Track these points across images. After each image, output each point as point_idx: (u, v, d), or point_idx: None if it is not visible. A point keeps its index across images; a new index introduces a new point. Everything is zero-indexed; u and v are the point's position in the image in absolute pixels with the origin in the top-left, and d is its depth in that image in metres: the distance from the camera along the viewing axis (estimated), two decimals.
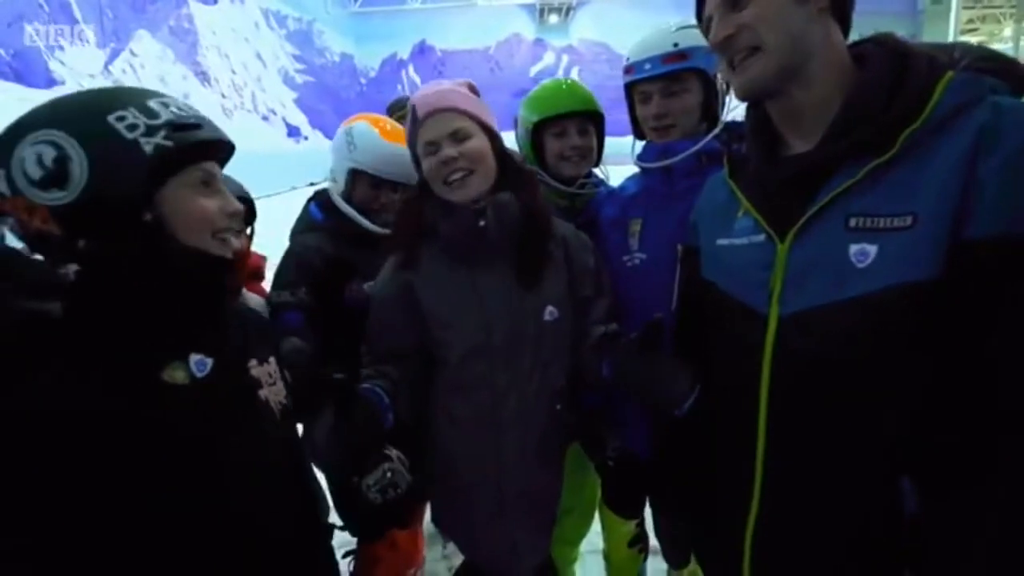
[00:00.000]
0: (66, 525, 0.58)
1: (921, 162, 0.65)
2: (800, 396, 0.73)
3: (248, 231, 1.51)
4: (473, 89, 1.06)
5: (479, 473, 1.01)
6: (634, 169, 1.28)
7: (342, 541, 1.11)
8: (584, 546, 1.71)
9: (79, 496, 0.58)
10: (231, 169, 0.84)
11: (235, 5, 12.78)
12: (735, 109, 1.10)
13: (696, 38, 1.05)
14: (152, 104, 0.66)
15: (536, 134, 1.38)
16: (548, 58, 17.10)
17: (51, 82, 8.15)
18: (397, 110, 2.46)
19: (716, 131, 1.11)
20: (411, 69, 17.66)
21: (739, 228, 0.82)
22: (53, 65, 8.32)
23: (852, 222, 0.68)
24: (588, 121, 1.35)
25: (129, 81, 9.31)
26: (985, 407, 0.61)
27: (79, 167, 0.61)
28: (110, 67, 9.39)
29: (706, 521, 0.89)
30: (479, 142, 0.98)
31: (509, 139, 1.22)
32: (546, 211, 1.06)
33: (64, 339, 0.62)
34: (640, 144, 1.24)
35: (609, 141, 1.44)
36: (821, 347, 0.71)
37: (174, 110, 0.67)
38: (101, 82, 9.29)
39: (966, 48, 0.72)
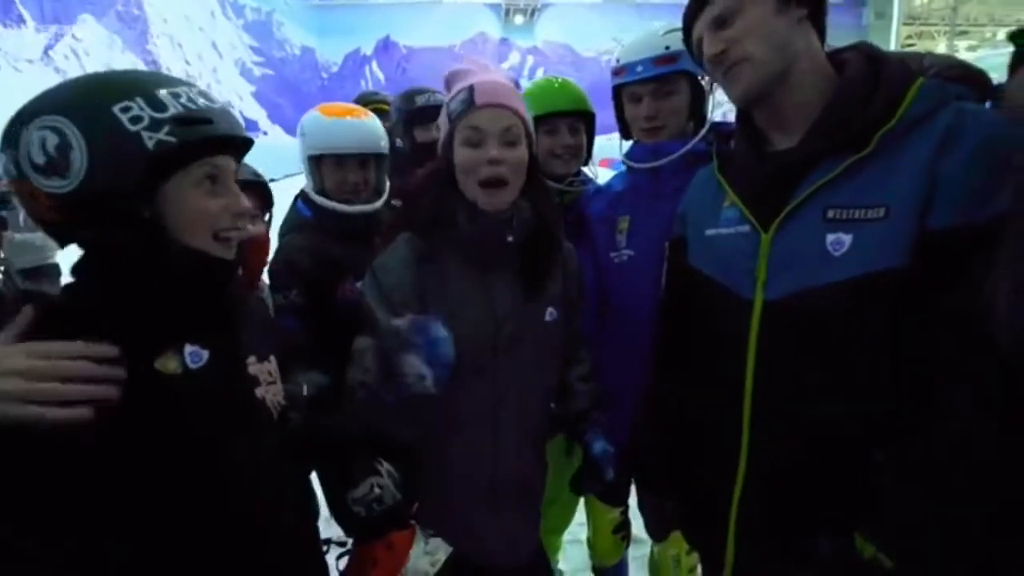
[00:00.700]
0: (55, 514, 0.56)
1: (893, 159, 0.71)
2: (782, 373, 0.78)
3: (267, 217, 1.45)
4: (517, 85, 1.04)
5: (476, 466, 1.02)
6: None
7: (337, 533, 1.10)
8: (565, 536, 1.75)
9: (69, 485, 0.56)
10: None
11: None
12: (721, 106, 1.15)
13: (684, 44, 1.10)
14: (161, 95, 0.63)
15: None
16: (513, 58, 17.14)
17: None
18: (365, 103, 2.42)
19: (703, 132, 1.17)
20: (375, 65, 17.36)
21: (725, 219, 0.87)
22: None
23: (830, 213, 0.74)
24: (579, 120, 1.38)
25: (72, 69, 8.78)
26: (932, 367, 0.68)
27: (80, 157, 0.59)
28: (51, 52, 8.82)
29: (692, 495, 0.94)
30: (522, 152, 0.96)
31: None
32: (558, 222, 1.06)
33: (60, 321, 0.60)
34: (627, 143, 1.29)
35: None
36: (801, 330, 0.77)
37: (184, 102, 0.64)
38: (40, 69, 8.70)
39: (935, 57, 0.79)
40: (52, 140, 0.59)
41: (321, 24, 16.66)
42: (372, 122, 1.36)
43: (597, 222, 1.31)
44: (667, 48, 1.16)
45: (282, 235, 1.34)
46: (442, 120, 1.00)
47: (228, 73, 13.62)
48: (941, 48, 13.12)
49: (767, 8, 0.76)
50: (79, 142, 0.59)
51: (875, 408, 0.73)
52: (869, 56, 0.79)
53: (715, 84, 1.03)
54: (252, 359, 0.76)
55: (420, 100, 1.68)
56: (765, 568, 0.80)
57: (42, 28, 8.69)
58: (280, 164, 3.68)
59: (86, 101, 0.61)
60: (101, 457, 0.58)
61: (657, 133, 1.21)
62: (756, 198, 0.82)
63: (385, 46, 17.21)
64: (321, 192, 1.32)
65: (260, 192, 1.40)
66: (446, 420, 1.02)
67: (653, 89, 1.19)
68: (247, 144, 0.73)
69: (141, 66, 10.50)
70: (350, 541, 1.42)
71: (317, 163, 1.32)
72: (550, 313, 1.04)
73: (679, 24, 1.17)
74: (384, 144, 1.37)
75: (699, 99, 1.21)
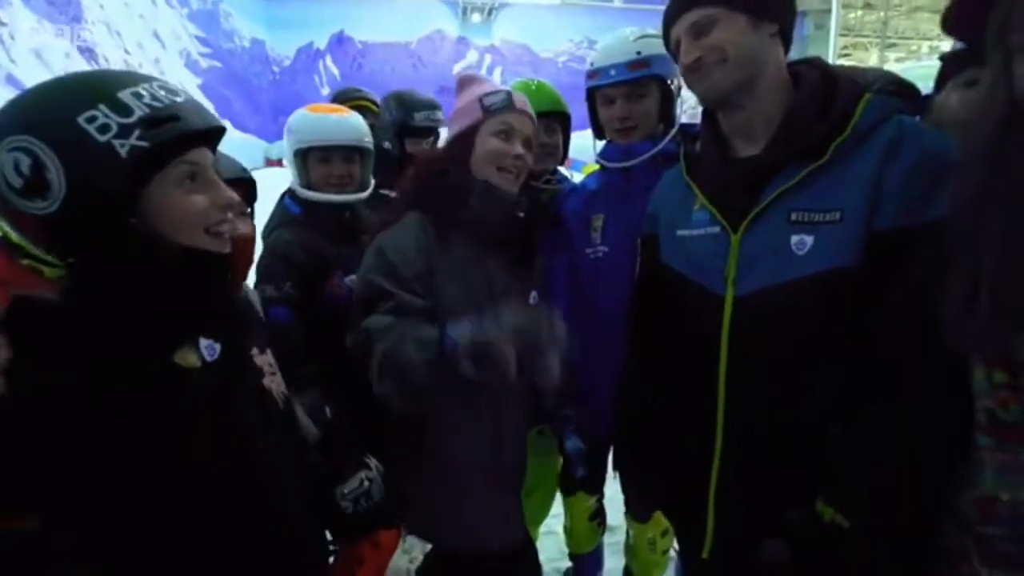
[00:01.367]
0: (86, 509, 0.57)
1: (846, 167, 0.80)
2: (752, 361, 0.86)
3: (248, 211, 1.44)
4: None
5: (482, 448, 1.06)
6: None
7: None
8: (541, 528, 1.80)
9: (96, 480, 0.57)
10: None
11: None
12: (692, 109, 1.24)
13: (656, 47, 1.16)
14: (123, 97, 0.61)
15: None
16: (471, 56, 17.06)
17: None
18: (345, 100, 2.37)
19: (672, 133, 1.24)
20: (328, 60, 16.89)
21: (696, 220, 0.94)
22: None
23: (794, 216, 0.82)
24: (556, 121, 1.44)
25: None
26: (882, 353, 0.77)
27: (56, 176, 0.58)
28: None
29: (672, 475, 1.01)
30: (531, 156, 1.12)
31: None
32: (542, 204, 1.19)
33: (66, 326, 0.59)
34: (600, 143, 1.36)
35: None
36: (768, 322, 0.84)
37: (148, 102, 0.62)
38: None
39: (878, 73, 0.88)
40: (25, 161, 0.57)
41: (271, 16, 16.05)
42: (357, 118, 1.40)
43: (573, 219, 1.37)
44: (638, 53, 1.23)
45: (268, 232, 1.33)
46: (472, 108, 1.08)
47: (172, 64, 12.90)
48: (873, 59, 14.09)
49: (742, 22, 0.83)
50: (52, 161, 0.58)
51: (834, 389, 0.81)
52: (823, 71, 0.88)
53: (682, 88, 1.11)
54: (255, 351, 0.78)
55: (419, 118, 1.67)
56: (742, 539, 0.87)
57: None
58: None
59: (50, 116, 0.59)
60: (130, 454, 0.58)
61: (629, 134, 1.28)
62: (725, 201, 0.90)
63: (339, 40, 16.76)
64: (308, 188, 1.34)
65: (246, 189, 1.39)
66: (457, 401, 1.03)
67: (626, 92, 1.25)
68: (221, 132, 0.71)
69: (75, 54, 9.82)
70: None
71: (304, 158, 1.34)
72: (533, 297, 1.12)
73: (647, 30, 1.25)
74: (368, 140, 1.39)
75: (668, 102, 1.28)
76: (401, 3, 16.17)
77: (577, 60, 14.83)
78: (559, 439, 1.18)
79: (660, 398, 1.02)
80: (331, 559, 1.37)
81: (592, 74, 1.29)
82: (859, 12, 13.91)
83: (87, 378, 0.58)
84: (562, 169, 1.56)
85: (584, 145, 1.51)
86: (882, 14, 13.51)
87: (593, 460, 1.44)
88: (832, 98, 0.83)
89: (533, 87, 1.46)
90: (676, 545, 1.26)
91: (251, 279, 1.31)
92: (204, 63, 14.02)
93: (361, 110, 2.22)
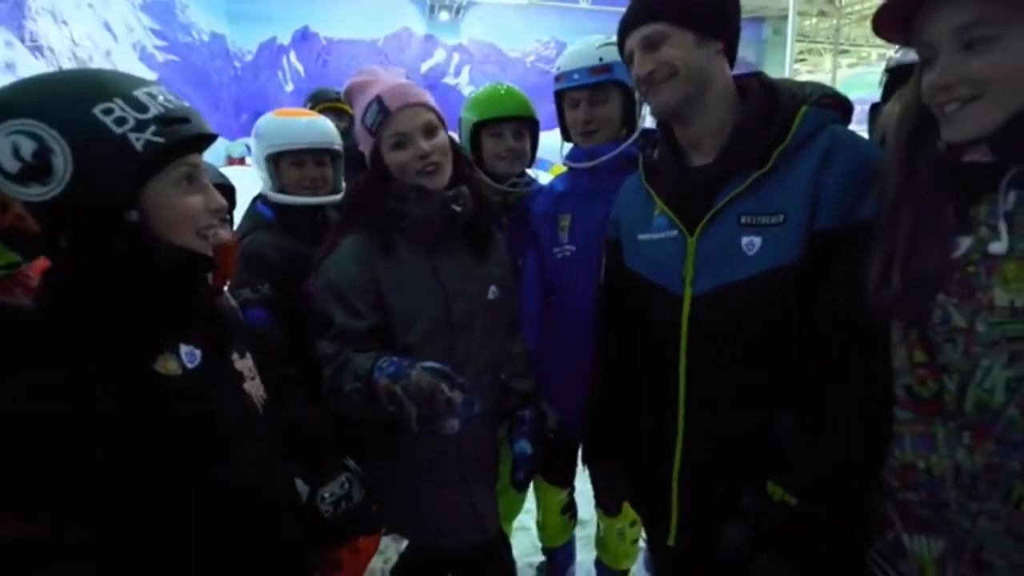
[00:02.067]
0: (74, 513, 0.57)
1: (787, 173, 0.87)
2: (710, 356, 0.92)
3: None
4: None
5: (443, 443, 1.07)
6: None
7: None
8: (513, 524, 1.84)
9: (81, 486, 0.58)
10: None
11: None
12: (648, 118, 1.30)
13: (618, 53, 1.22)
14: (139, 95, 0.63)
15: (475, 135, 1.49)
16: (439, 55, 16.95)
17: None
18: (319, 101, 2.35)
19: (634, 136, 1.30)
20: (293, 56, 16.48)
21: (656, 225, 1.00)
22: None
23: (743, 219, 0.89)
24: (523, 125, 1.48)
25: None
26: (824, 344, 0.84)
27: (63, 162, 0.58)
28: None
29: (637, 467, 1.06)
30: (444, 137, 1.07)
31: None
32: (490, 197, 1.19)
33: (46, 335, 0.59)
34: (568, 145, 1.41)
35: None
36: (723, 317, 0.91)
37: (162, 102, 0.64)
38: None
39: (814, 86, 0.96)
40: (28, 146, 0.57)
41: (231, 10, 15.53)
42: (325, 121, 1.41)
43: (541, 219, 1.42)
44: (601, 59, 1.28)
45: (240, 237, 1.32)
46: (360, 133, 1.07)
47: (125, 57, 12.34)
48: (827, 63, 14.69)
49: (689, 39, 0.89)
50: (61, 147, 0.58)
51: (784, 378, 0.88)
52: (766, 85, 0.94)
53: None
54: (235, 356, 0.78)
55: (321, 106, 1.70)
56: (705, 525, 0.93)
57: None
58: None
59: (63, 104, 0.60)
60: (114, 462, 0.59)
61: (592, 137, 1.33)
62: (681, 206, 0.95)
63: (304, 36, 16.37)
64: (280, 191, 1.34)
65: (226, 195, 1.38)
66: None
67: (588, 96, 1.31)
68: (212, 140, 0.73)
69: (18, 45, 9.30)
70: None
71: (275, 163, 1.34)
72: (493, 291, 1.14)
73: (613, 38, 1.30)
74: (338, 144, 1.40)
75: (630, 107, 1.34)
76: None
77: (544, 60, 14.88)
78: (509, 440, 1.21)
79: (626, 395, 1.07)
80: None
81: (558, 78, 1.34)
82: (814, 19, 14.51)
83: (71, 385, 0.58)
84: (531, 172, 1.61)
85: (552, 145, 1.56)
86: (835, 21, 14.14)
87: (563, 456, 1.49)
88: (774, 109, 0.90)
89: (502, 92, 1.50)
90: (644, 534, 1.32)
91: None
92: (160, 57, 13.46)
93: (337, 112, 2.21)
